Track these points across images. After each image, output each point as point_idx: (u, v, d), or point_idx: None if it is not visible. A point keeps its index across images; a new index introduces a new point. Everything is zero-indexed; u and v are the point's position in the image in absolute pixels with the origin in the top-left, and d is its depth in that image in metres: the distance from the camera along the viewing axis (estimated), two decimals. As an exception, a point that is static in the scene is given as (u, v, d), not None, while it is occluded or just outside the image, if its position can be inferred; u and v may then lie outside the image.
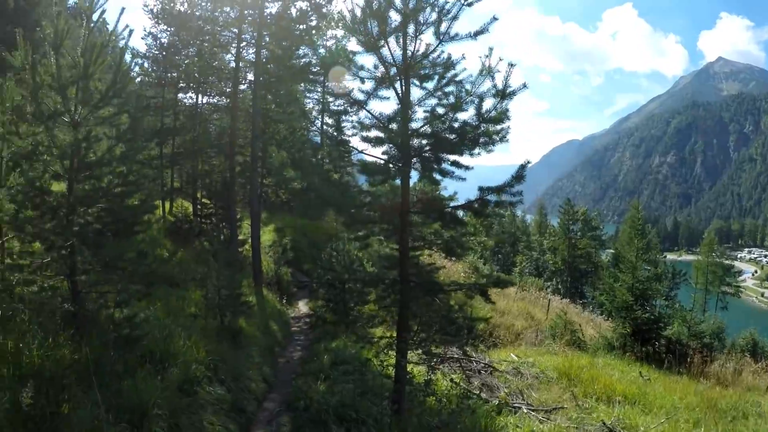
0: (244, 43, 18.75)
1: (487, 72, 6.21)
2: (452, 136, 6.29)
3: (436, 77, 6.60)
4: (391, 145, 6.62)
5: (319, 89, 40.26)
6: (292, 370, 11.02)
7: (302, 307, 20.12)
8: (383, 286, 7.27)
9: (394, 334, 7.77)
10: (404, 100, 6.56)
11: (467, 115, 6.45)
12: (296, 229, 27.71)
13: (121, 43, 7.56)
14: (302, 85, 28.57)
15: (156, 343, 7.31)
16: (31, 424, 4.47)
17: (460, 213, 6.84)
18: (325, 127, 29.47)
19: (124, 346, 6.26)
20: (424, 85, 6.71)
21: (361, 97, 6.89)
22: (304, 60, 19.50)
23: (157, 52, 22.10)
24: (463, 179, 6.67)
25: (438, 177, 6.75)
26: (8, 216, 6.84)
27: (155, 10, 20.22)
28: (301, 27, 18.21)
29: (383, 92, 6.87)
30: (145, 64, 22.09)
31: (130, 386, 5.82)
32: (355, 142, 6.99)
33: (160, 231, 21.11)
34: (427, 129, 6.51)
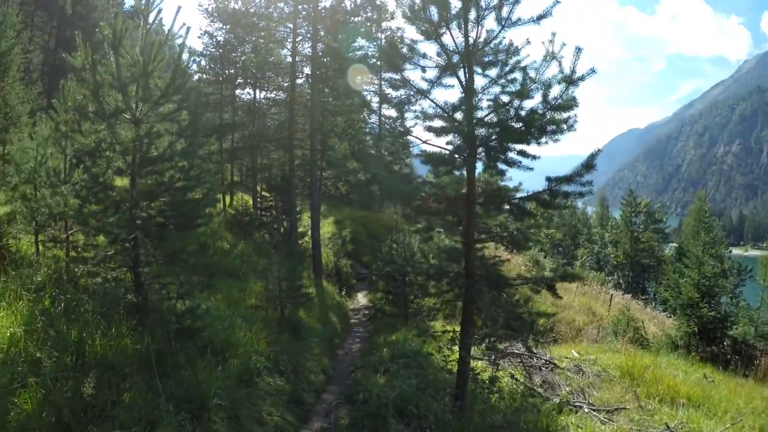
0: (300, 38, 18.87)
1: (551, 57, 5.79)
2: (519, 125, 5.87)
3: (500, 64, 6.21)
4: (455, 135, 6.28)
5: (375, 81, 40.47)
6: (351, 362, 10.95)
7: (361, 299, 20.14)
8: (447, 279, 6.96)
9: (457, 329, 7.49)
10: (468, 88, 6.21)
11: (533, 102, 6.03)
12: (355, 221, 27.79)
13: (179, 41, 7.57)
14: (359, 77, 28.61)
15: (217, 333, 7.38)
16: (93, 412, 4.53)
17: (527, 204, 6.41)
18: (383, 118, 29.45)
19: (185, 336, 6.32)
20: (487, 72, 6.33)
21: (424, 86, 6.58)
22: (360, 52, 19.35)
23: (213, 50, 22.65)
24: (530, 169, 6.27)
25: (503, 167, 6.38)
26: (73, 210, 7.09)
27: (210, 9, 20.67)
28: (356, 19, 18.10)
29: (446, 80, 6.54)
30: (203, 62, 22.67)
31: (190, 376, 5.86)
32: (418, 132, 6.72)
33: (221, 224, 21.65)
34: (493, 118, 6.12)
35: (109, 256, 7.31)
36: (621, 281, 43.40)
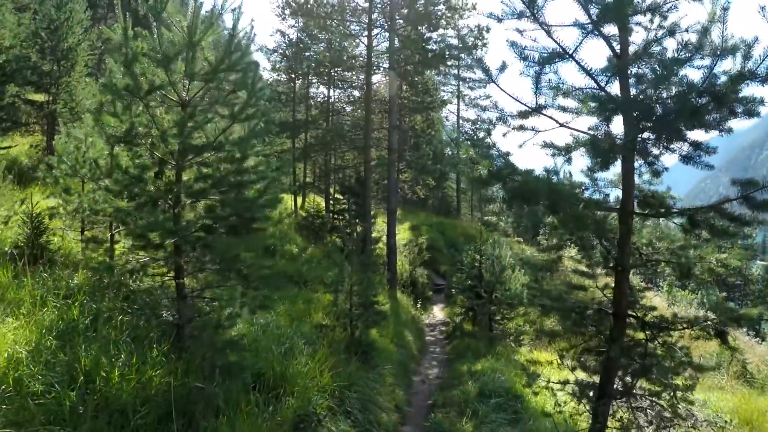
0: (376, 32, 17.59)
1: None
2: (703, 100, 3.91)
3: (658, 17, 4.32)
4: (606, 116, 4.35)
5: (453, 82, 38.61)
6: (429, 394, 9.32)
7: (437, 312, 18.45)
8: (574, 314, 5.10)
9: (551, 357, 5.65)
10: (623, 48, 4.38)
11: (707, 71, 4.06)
12: (432, 227, 26.16)
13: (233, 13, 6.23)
14: (437, 75, 27.05)
15: (270, 364, 6.01)
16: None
17: (705, 218, 4.39)
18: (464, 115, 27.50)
19: (226, 372, 4.98)
20: (646, 25, 4.42)
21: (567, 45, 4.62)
22: (440, 45, 17.76)
23: (285, 48, 21.87)
24: (710, 167, 4.36)
25: (659, 166, 4.50)
26: (112, 207, 5.98)
27: (281, 3, 19.84)
28: (436, 8, 16.54)
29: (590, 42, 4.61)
30: (273, 58, 21.92)
31: (228, 427, 4.50)
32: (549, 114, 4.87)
33: (291, 226, 20.75)
34: (661, 93, 4.18)
35: (148, 263, 6.20)
36: (705, 300, 39.83)
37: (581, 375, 5.48)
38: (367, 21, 17.14)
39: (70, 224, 8.12)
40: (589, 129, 4.37)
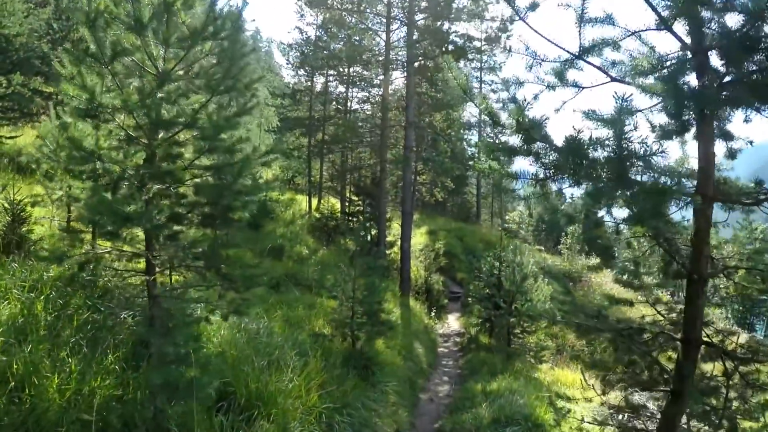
0: (395, 26, 16.74)
1: None
2: None
3: None
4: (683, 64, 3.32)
5: (475, 84, 37.50)
6: (437, 416, 8.35)
7: (452, 321, 17.42)
8: (624, 339, 4.01)
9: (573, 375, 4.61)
10: None
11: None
12: (450, 232, 25.12)
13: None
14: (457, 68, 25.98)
15: (243, 379, 5.14)
16: None
17: None
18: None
19: (170, 389, 4.09)
20: None
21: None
22: (462, 39, 16.83)
23: (303, 45, 21.14)
24: None
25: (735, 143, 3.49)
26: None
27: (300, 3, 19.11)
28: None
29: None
30: (291, 55, 21.20)
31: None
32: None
33: (303, 227, 20.00)
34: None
35: (120, 256, 5.42)
36: (729, 316, 37.86)
37: (611, 397, 4.46)
38: (385, 14, 16.32)
39: (57, 213, 7.48)
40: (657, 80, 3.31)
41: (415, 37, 15.35)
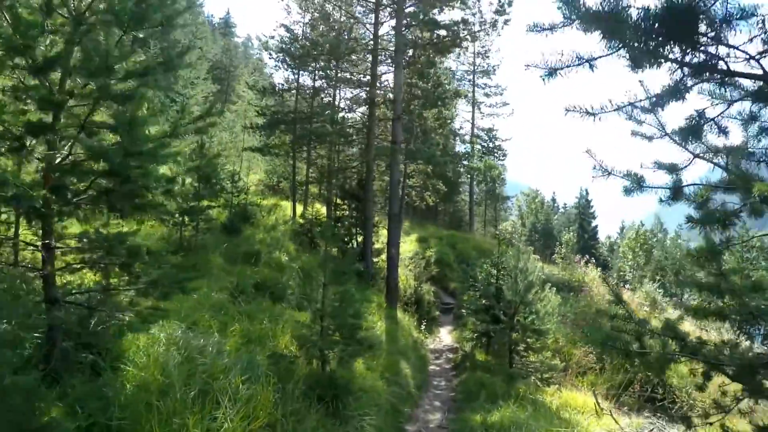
0: (384, 15, 15.38)
1: None
2: None
3: None
4: None
5: (468, 87, 36.24)
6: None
7: (444, 335, 15.88)
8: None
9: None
10: None
11: None
12: (442, 239, 23.66)
13: None
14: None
15: (137, 419, 3.59)
16: None
17: None
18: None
19: None
20: None
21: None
22: (454, 30, 15.49)
23: (290, 43, 19.68)
24: None
25: None
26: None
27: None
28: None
29: None
30: (276, 54, 19.70)
31: None
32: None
33: (286, 233, 18.53)
34: None
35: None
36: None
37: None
38: (374, 1, 14.97)
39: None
40: None
41: (404, 23, 13.96)
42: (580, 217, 62.61)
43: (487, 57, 36.32)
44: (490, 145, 35.07)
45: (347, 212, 19.64)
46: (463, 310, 14.20)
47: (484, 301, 11.76)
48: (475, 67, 36.43)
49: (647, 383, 12.31)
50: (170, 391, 4.41)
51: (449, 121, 19.02)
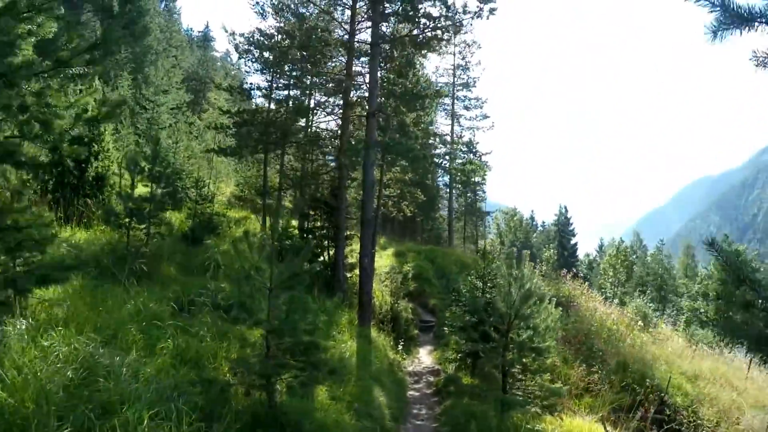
0: (361, 4, 14.15)
1: None
2: None
3: None
4: None
5: (447, 101, 35.27)
6: None
7: (424, 356, 14.33)
8: None
9: None
10: None
11: None
12: (420, 254, 22.20)
13: None
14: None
15: None
16: None
17: None
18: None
19: None
20: None
21: None
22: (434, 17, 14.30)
23: (264, 45, 18.30)
24: None
25: None
26: None
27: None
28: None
29: None
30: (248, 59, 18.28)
31: None
32: None
33: (254, 248, 16.95)
34: None
35: None
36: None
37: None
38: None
39: None
40: None
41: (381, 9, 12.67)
42: (560, 235, 62.06)
43: (468, 69, 35.48)
44: (471, 157, 33.91)
45: (319, 223, 18.14)
46: (445, 328, 12.72)
47: (469, 317, 10.32)
48: (455, 79, 35.53)
49: (650, 403, 11.01)
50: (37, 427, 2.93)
51: (429, 125, 17.65)
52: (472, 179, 32.28)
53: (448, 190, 33.98)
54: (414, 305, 17.48)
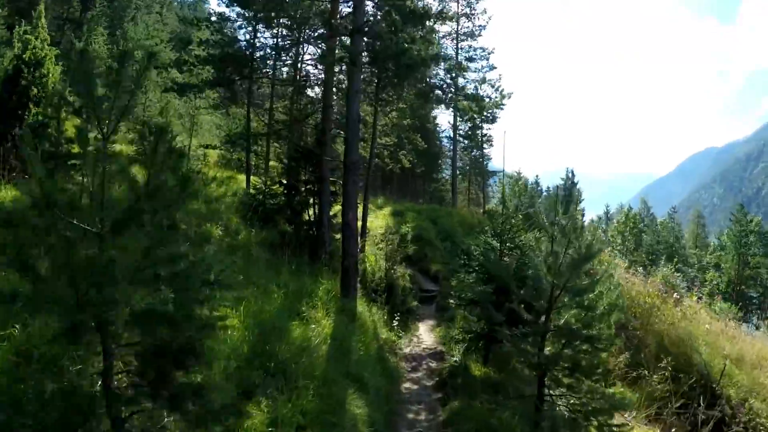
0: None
1: None
2: None
3: None
4: None
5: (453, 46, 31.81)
6: None
7: (425, 334, 11.81)
8: None
9: None
10: None
11: None
12: (421, 213, 19.54)
13: None
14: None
15: None
16: None
17: None
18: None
19: None
20: None
21: None
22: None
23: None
24: None
25: None
26: None
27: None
28: None
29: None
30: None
31: None
32: None
33: (232, 206, 14.44)
34: None
35: None
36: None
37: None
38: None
39: None
40: None
41: None
42: (566, 200, 59.48)
43: (472, 17, 31.98)
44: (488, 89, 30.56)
45: (305, 177, 15.44)
46: (451, 300, 10.14)
47: (483, 288, 7.74)
48: (459, 27, 32.09)
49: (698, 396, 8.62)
50: None
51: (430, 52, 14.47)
52: (485, 112, 28.55)
53: (451, 147, 30.93)
54: (413, 271, 14.92)
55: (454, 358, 9.17)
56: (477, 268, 8.69)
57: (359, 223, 14.66)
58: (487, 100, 26.89)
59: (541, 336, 5.23)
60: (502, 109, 27.82)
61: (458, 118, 29.67)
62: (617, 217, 53.55)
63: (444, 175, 35.90)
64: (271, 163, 20.11)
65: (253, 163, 19.37)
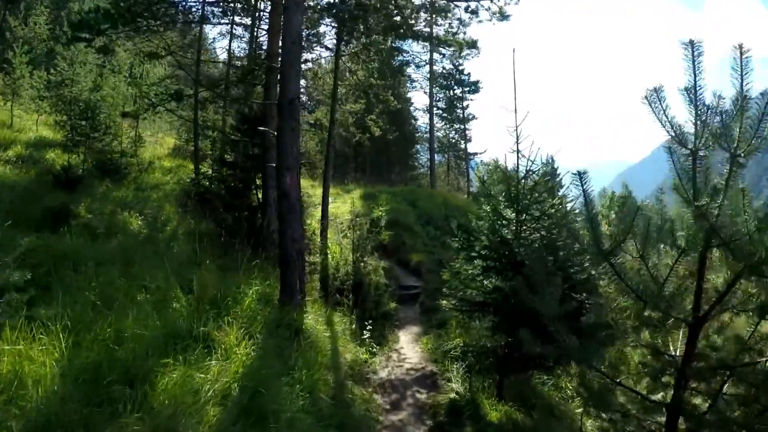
0: None
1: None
2: None
3: None
4: None
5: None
6: None
7: (407, 348, 8.72)
8: None
9: None
10: None
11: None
12: (396, 195, 16.49)
13: None
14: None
15: None
16: None
17: None
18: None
19: None
20: None
21: None
22: None
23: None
24: None
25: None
26: None
27: None
28: None
29: None
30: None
31: None
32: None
33: (172, 193, 12.94)
34: None
35: None
36: None
37: None
38: None
39: None
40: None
41: None
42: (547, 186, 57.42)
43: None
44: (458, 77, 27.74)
45: (250, 151, 12.25)
46: (443, 301, 7.05)
47: (502, 281, 4.76)
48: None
49: None
50: None
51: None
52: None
53: (428, 124, 27.91)
54: (389, 264, 11.86)
55: (453, 386, 6.20)
56: (484, 252, 5.70)
57: (320, 202, 11.59)
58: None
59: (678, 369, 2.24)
60: (507, 19, 23.40)
61: (434, 87, 26.97)
62: (601, 201, 51.58)
63: (421, 161, 32.95)
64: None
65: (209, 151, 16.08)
